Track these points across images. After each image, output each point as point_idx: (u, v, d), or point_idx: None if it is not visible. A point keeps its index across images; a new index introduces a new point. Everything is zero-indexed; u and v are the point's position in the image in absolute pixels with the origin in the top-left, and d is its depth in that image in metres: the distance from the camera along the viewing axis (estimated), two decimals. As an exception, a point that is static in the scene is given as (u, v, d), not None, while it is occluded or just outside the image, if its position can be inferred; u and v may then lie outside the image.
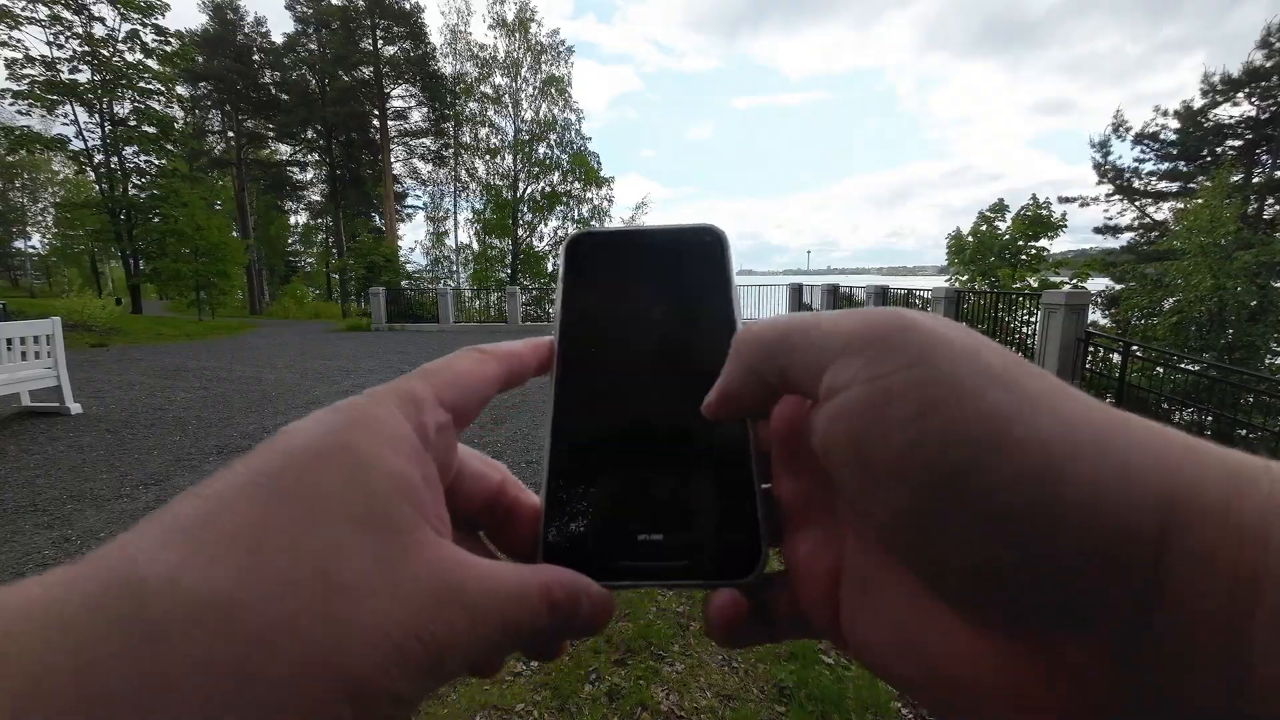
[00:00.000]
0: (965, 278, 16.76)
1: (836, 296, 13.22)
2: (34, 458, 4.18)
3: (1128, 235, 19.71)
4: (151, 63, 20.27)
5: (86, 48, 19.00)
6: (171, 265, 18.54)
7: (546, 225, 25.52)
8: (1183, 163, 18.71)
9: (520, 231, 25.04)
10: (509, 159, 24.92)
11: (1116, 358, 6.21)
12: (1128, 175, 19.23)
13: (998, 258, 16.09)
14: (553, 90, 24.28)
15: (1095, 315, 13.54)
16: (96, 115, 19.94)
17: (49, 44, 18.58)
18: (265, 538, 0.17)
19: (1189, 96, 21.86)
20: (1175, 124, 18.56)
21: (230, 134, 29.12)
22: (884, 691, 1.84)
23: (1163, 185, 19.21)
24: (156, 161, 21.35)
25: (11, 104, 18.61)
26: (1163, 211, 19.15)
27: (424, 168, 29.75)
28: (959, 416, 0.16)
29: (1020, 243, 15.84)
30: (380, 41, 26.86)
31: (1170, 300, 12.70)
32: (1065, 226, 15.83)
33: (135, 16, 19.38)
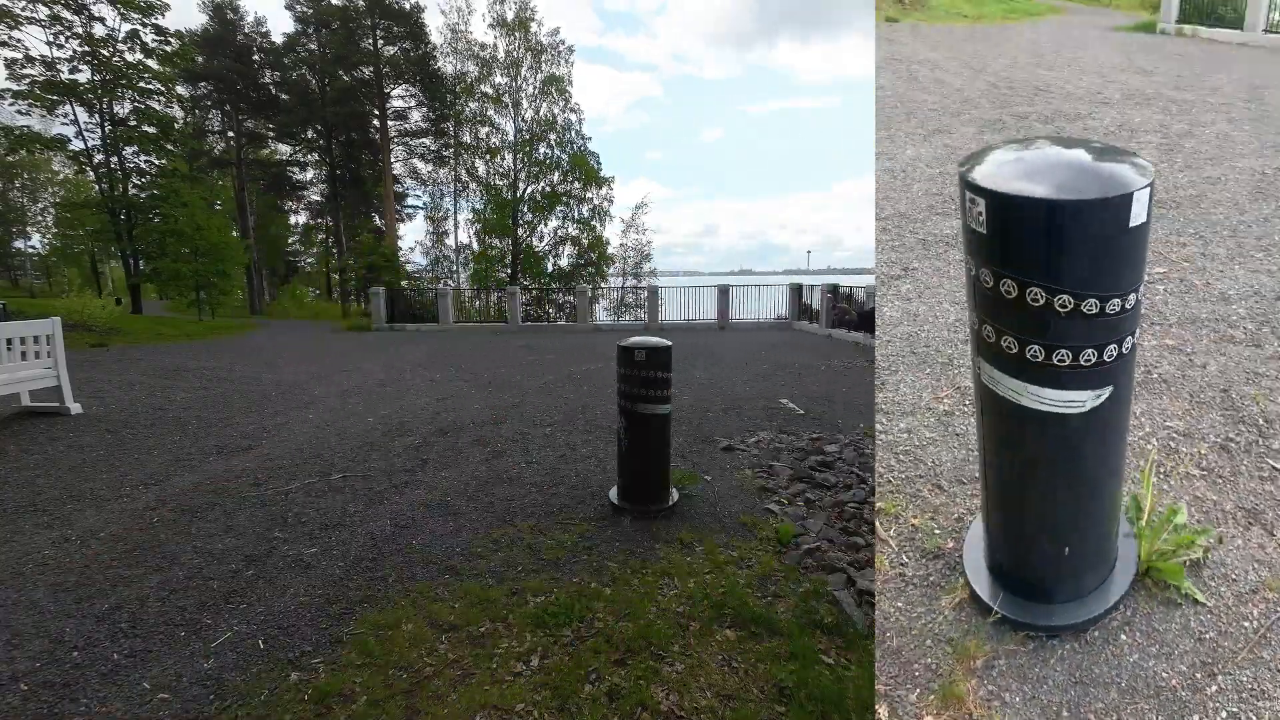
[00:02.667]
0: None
1: (836, 296, 13.26)
2: (34, 458, 4.18)
3: None
4: (151, 63, 20.24)
5: (86, 48, 18.96)
6: (171, 265, 18.53)
7: (546, 225, 25.58)
8: None
9: (520, 231, 25.07)
10: (509, 159, 24.94)
11: None
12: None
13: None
14: (553, 90, 24.30)
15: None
16: (96, 115, 19.90)
17: (49, 44, 18.54)
18: None
19: None
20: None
21: (230, 134, 29.10)
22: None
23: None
24: (156, 161, 21.32)
25: (11, 104, 18.59)
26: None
27: (424, 168, 29.79)
28: None
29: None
30: (380, 41, 26.85)
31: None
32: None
33: (135, 16, 19.36)
